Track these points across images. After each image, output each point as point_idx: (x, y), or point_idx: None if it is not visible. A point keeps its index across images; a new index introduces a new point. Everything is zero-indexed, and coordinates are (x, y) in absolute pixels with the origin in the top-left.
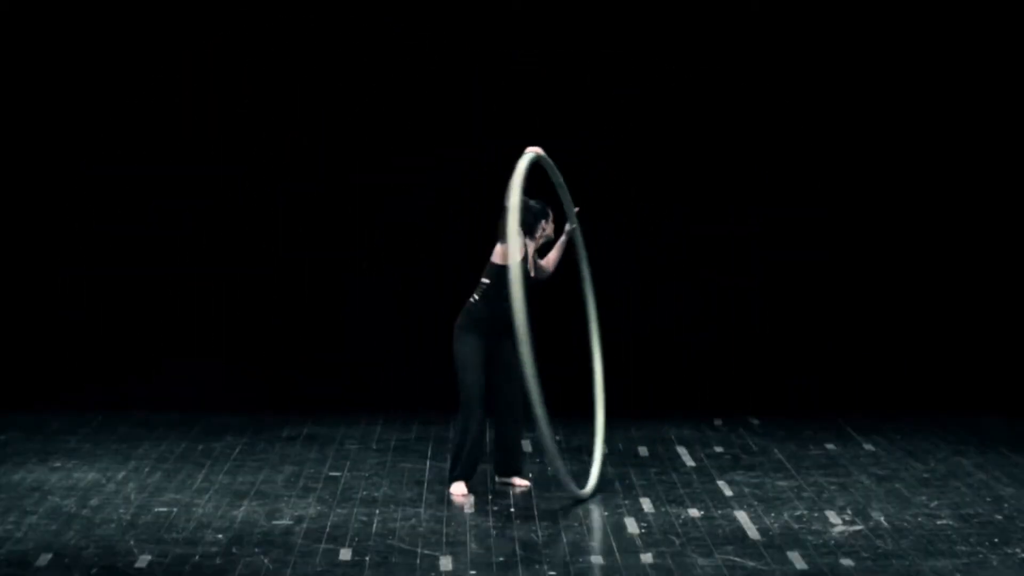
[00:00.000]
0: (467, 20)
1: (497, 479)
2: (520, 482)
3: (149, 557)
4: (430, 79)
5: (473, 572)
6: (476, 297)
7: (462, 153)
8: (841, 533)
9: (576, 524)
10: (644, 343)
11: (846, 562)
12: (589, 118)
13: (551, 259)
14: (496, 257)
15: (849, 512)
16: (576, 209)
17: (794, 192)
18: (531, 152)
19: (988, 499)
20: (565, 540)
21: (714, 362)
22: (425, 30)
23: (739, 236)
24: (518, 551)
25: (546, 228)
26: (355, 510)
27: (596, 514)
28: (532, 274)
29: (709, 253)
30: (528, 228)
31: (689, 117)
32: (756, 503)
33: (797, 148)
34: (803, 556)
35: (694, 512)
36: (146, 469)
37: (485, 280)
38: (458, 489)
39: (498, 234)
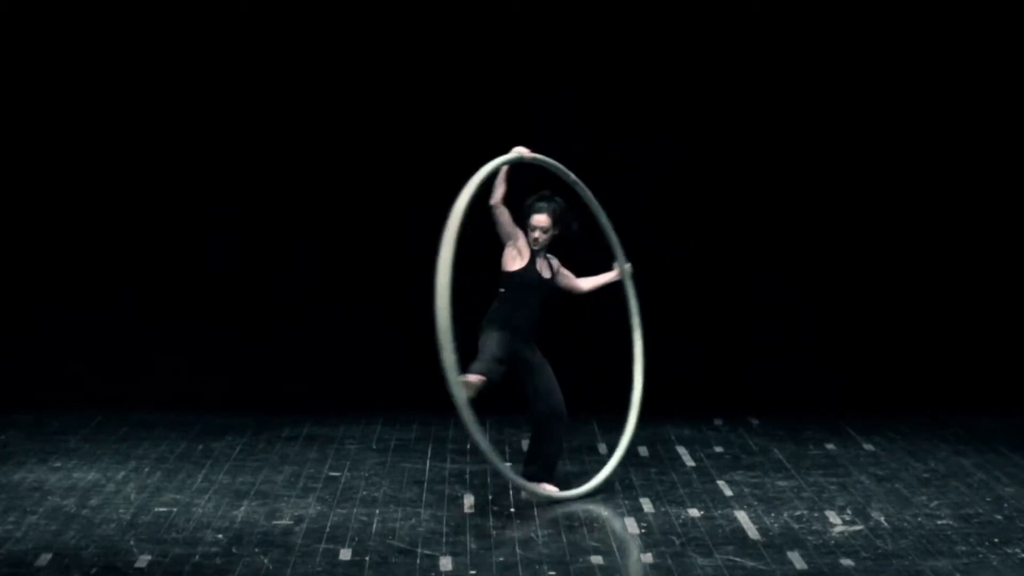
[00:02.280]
0: (466, 22)
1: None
2: (550, 489)
3: (149, 557)
4: (430, 81)
5: (473, 572)
6: (497, 304)
7: (463, 155)
8: (841, 533)
9: (576, 524)
10: (644, 343)
11: (846, 562)
12: (588, 119)
13: (588, 283)
14: (504, 264)
15: (849, 512)
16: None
17: (792, 194)
18: (517, 152)
19: (988, 499)
20: (565, 540)
21: (714, 362)
22: (424, 32)
23: (738, 237)
24: (518, 551)
25: (535, 222)
26: (355, 510)
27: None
28: (547, 275)
29: (708, 253)
30: (521, 220)
31: (687, 117)
32: (756, 503)
33: (795, 149)
34: (803, 556)
35: (694, 512)
36: (146, 469)
37: (502, 289)
38: (475, 378)
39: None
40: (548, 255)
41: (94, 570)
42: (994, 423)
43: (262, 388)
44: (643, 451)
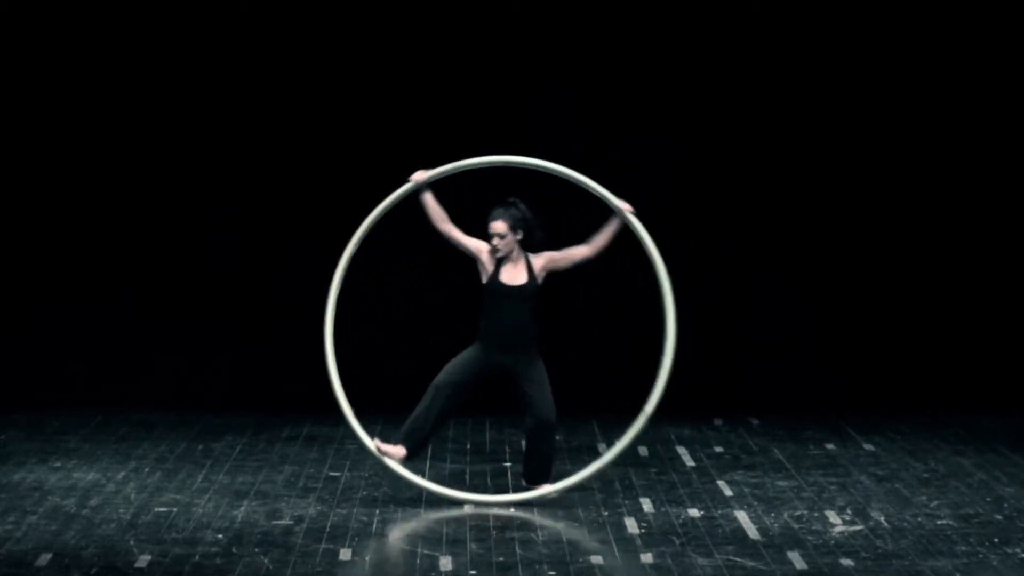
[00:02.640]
0: (466, 22)
1: (524, 484)
2: (547, 488)
3: (149, 557)
4: (430, 81)
5: (473, 572)
6: (481, 317)
7: (463, 156)
8: (841, 533)
9: (576, 524)
10: (645, 343)
11: (846, 562)
12: (588, 119)
13: (592, 247)
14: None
15: (849, 512)
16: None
17: (792, 194)
18: (413, 180)
19: (988, 499)
20: (565, 540)
21: (714, 362)
22: (424, 32)
23: (738, 237)
24: (518, 551)
25: (491, 230)
26: (355, 510)
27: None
28: (519, 281)
29: (708, 253)
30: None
31: (687, 117)
32: (756, 503)
33: (794, 149)
34: (803, 556)
35: (694, 512)
36: (146, 469)
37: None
38: (394, 451)
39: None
40: (529, 256)
41: (94, 570)
42: (994, 423)
43: (262, 388)
44: (643, 451)
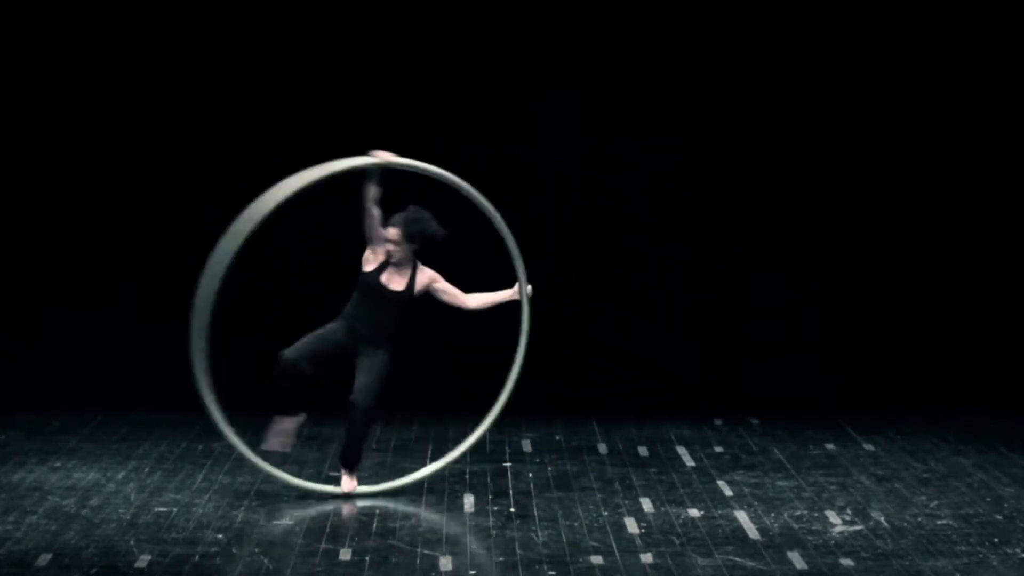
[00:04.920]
0: (466, 22)
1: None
2: (344, 481)
3: (149, 557)
4: (430, 81)
5: (473, 572)
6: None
7: (462, 155)
8: (841, 533)
9: (576, 524)
10: (644, 343)
11: (846, 562)
12: (588, 119)
13: (477, 300)
14: (363, 262)
15: (849, 512)
16: (528, 289)
17: (792, 194)
18: (379, 157)
19: (988, 499)
20: (565, 540)
21: (714, 362)
22: (424, 32)
23: (738, 237)
24: (518, 551)
25: (386, 235)
26: (355, 510)
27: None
28: (396, 288)
29: (708, 253)
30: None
31: (687, 117)
32: (756, 503)
33: (794, 149)
34: (803, 556)
35: (694, 512)
36: (146, 469)
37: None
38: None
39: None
40: (418, 266)
41: (94, 570)
42: (994, 423)
43: (261, 388)
44: (643, 451)
